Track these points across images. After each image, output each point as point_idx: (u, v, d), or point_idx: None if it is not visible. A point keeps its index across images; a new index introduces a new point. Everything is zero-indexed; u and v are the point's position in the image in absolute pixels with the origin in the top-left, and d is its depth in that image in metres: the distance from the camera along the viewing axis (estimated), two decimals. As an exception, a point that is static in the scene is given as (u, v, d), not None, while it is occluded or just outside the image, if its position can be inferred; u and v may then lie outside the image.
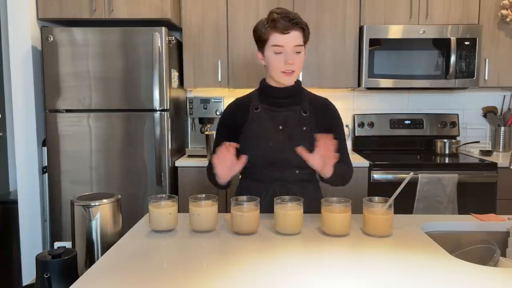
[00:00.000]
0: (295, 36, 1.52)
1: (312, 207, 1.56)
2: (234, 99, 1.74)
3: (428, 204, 2.70)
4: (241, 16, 3.00)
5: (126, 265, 1.12)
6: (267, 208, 1.51)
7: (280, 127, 1.60)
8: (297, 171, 1.60)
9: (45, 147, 2.75)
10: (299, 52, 1.55)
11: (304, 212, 1.42)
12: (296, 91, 1.65)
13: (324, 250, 1.23)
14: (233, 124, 1.65)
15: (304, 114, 1.62)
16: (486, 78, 3.05)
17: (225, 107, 1.75)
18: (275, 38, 1.52)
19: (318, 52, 3.04)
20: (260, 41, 1.57)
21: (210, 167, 1.64)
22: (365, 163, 2.81)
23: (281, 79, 1.58)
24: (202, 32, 3.02)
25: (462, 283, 1.01)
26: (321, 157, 1.45)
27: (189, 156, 3.05)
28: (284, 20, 1.50)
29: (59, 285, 1.13)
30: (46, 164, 2.75)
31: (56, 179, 2.73)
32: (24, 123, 2.76)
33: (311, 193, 1.66)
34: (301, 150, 1.45)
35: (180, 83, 3.08)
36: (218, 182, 1.56)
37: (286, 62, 1.53)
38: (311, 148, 1.54)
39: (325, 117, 1.66)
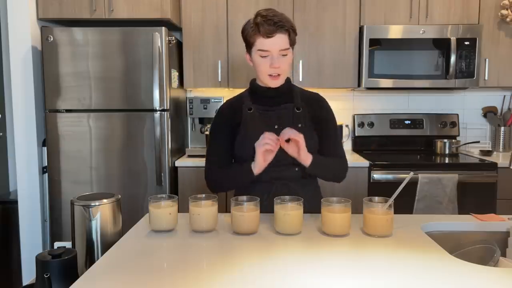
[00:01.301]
0: (280, 39, 1.50)
1: (314, 205, 1.56)
2: (225, 101, 1.73)
3: (428, 204, 2.70)
4: (241, 16, 3.00)
5: (126, 265, 1.12)
6: (269, 209, 1.50)
7: (276, 126, 1.59)
8: (296, 169, 1.60)
9: (45, 147, 2.75)
10: (285, 55, 1.54)
11: (306, 210, 1.42)
12: (287, 89, 1.65)
13: (324, 250, 1.23)
14: (228, 127, 1.64)
15: (298, 111, 1.62)
16: (486, 78, 3.05)
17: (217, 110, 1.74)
18: (260, 42, 1.51)
19: (318, 52, 3.04)
20: (247, 43, 1.57)
21: (211, 172, 1.66)
22: (365, 163, 2.81)
23: (268, 82, 1.58)
24: (202, 32, 3.02)
25: (462, 283, 1.01)
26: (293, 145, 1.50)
27: (189, 156, 3.05)
28: (267, 24, 1.48)
29: (59, 285, 1.13)
30: (46, 164, 2.75)
31: (56, 179, 2.73)
32: (24, 123, 2.76)
33: (312, 191, 1.67)
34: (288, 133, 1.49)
35: (180, 83, 3.08)
36: (223, 187, 1.67)
37: (272, 65, 1.52)
38: (307, 143, 1.54)
39: (318, 112, 1.66)
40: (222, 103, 3.15)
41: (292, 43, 1.55)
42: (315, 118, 1.64)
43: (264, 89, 1.63)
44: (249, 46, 1.56)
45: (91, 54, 2.67)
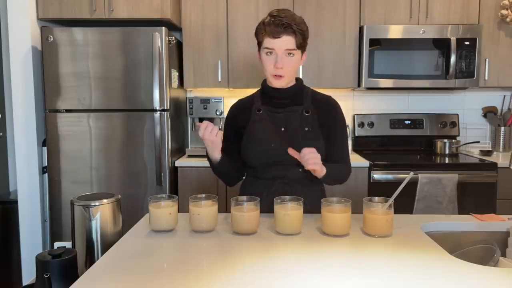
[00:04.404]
0: (286, 40, 1.50)
1: (316, 206, 1.56)
2: (237, 100, 1.74)
3: (428, 204, 2.70)
4: (241, 16, 3.00)
5: (126, 265, 1.12)
6: (269, 207, 1.50)
7: (282, 129, 1.60)
8: (300, 170, 1.60)
9: (45, 147, 2.75)
10: (292, 55, 1.53)
11: (308, 211, 1.42)
12: (297, 91, 1.65)
13: (324, 250, 1.23)
14: (236, 126, 1.67)
15: (306, 114, 1.62)
16: (486, 78, 3.05)
17: (229, 108, 1.76)
18: (267, 41, 1.53)
19: (318, 52, 3.04)
20: (258, 42, 1.59)
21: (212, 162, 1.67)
22: (365, 163, 2.80)
23: (272, 82, 1.59)
24: (202, 32, 3.02)
25: (462, 283, 1.01)
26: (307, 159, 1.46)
27: (189, 156, 3.05)
28: (274, 25, 1.49)
29: (59, 285, 1.13)
30: (46, 164, 2.75)
31: (56, 179, 2.73)
32: (24, 123, 2.76)
33: (315, 192, 1.66)
34: (292, 152, 1.46)
35: (180, 83, 3.08)
36: (215, 165, 1.62)
37: (275, 65, 1.53)
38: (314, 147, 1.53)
39: (327, 115, 1.65)
40: (222, 103, 3.17)
41: (300, 46, 1.54)
42: (324, 122, 1.63)
43: (273, 90, 1.63)
44: (259, 44, 1.59)
45: (91, 54, 2.67)
